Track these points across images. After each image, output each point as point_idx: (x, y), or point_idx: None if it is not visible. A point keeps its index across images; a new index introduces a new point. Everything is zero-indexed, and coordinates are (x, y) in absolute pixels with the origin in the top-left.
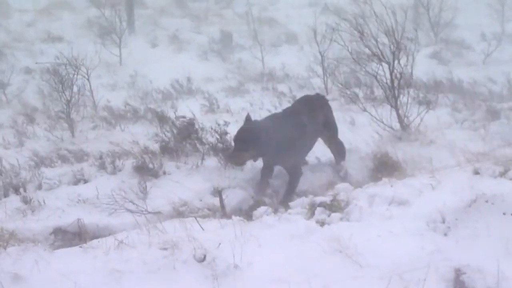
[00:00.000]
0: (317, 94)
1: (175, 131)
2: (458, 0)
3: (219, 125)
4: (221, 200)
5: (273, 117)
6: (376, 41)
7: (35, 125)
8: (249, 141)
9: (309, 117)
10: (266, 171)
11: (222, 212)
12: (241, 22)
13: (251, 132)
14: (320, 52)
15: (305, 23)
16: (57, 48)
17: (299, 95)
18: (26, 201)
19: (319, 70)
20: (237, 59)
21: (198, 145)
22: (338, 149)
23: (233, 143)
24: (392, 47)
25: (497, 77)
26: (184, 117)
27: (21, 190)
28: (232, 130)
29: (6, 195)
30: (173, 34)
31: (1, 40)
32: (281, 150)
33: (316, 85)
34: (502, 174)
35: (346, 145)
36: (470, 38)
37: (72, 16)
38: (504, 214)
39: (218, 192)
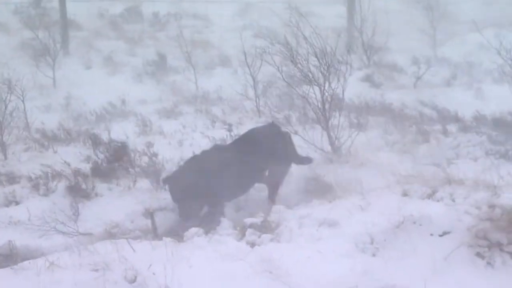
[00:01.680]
0: (269, 125)
1: (107, 154)
2: (391, 25)
3: (148, 147)
4: (153, 222)
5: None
6: (307, 63)
7: None
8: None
9: (247, 154)
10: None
11: (153, 233)
12: (175, 44)
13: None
14: (251, 75)
15: (238, 46)
16: None
17: (231, 117)
18: None
19: (252, 93)
20: (171, 81)
21: (129, 167)
22: (273, 186)
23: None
24: (322, 69)
25: (427, 100)
26: (115, 141)
27: None
28: (162, 151)
29: None
30: (107, 56)
31: None
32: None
33: (249, 108)
34: (430, 196)
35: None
36: (402, 61)
37: (5, 37)
38: (431, 235)
39: (149, 214)
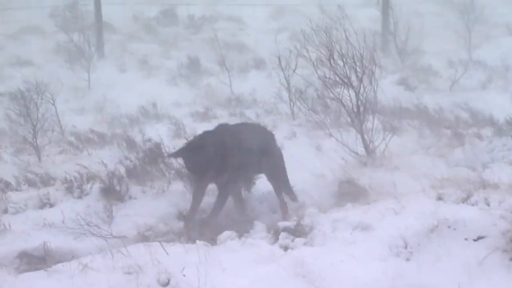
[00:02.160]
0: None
1: (141, 155)
2: (426, 27)
3: None
4: (187, 225)
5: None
6: (344, 65)
7: (1, 149)
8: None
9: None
10: (199, 191)
11: (187, 236)
12: (209, 47)
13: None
14: (285, 78)
15: (273, 48)
16: (26, 73)
17: (266, 120)
18: None
19: (286, 96)
20: (205, 84)
21: (164, 169)
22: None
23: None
24: (358, 72)
25: (462, 103)
26: (150, 140)
27: None
28: None
29: None
30: (142, 59)
31: None
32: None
33: (283, 111)
34: (465, 200)
35: (312, 170)
36: (437, 64)
37: (41, 41)
38: (465, 239)
39: (183, 217)
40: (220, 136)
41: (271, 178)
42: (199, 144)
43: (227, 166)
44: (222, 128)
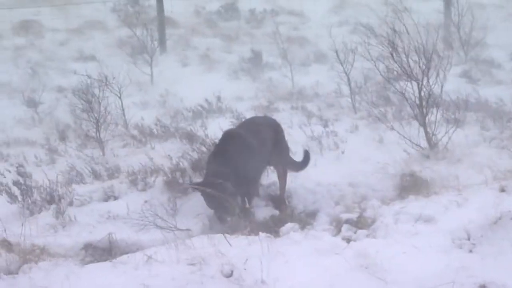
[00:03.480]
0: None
1: (205, 149)
2: (489, 20)
3: None
4: (249, 217)
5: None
6: (407, 58)
7: (66, 143)
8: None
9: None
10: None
11: (249, 228)
12: (271, 41)
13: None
14: (345, 72)
15: (335, 42)
16: (89, 67)
17: (327, 113)
18: (60, 214)
19: (347, 89)
20: (267, 78)
21: None
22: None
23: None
24: (422, 65)
25: None
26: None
27: (55, 205)
28: None
29: (39, 211)
30: (204, 53)
31: (34, 59)
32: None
33: (345, 104)
34: None
35: (374, 163)
36: (500, 57)
37: (104, 35)
38: None
39: (245, 209)
40: (234, 161)
41: (279, 169)
42: (214, 182)
43: (245, 181)
44: (233, 142)
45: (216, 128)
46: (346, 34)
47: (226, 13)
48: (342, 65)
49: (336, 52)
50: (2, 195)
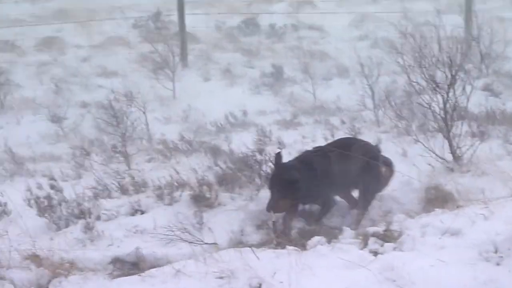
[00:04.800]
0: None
1: (231, 163)
2: (509, 32)
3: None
4: (276, 230)
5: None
6: (434, 71)
7: (91, 158)
8: (287, 185)
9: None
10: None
11: (276, 242)
12: (292, 55)
13: (288, 175)
14: (369, 85)
15: (355, 56)
16: (112, 83)
17: (350, 127)
18: (88, 229)
19: (370, 103)
20: (288, 92)
21: (254, 176)
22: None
23: (269, 191)
24: (447, 78)
25: None
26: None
27: (84, 219)
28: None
29: (67, 225)
30: (225, 68)
31: (58, 75)
32: (314, 188)
33: (368, 118)
34: None
35: (398, 176)
36: None
37: (126, 51)
38: None
39: (272, 223)
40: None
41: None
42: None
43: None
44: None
45: (239, 142)
46: (366, 48)
47: (247, 28)
48: (366, 79)
49: (361, 65)
50: (32, 207)
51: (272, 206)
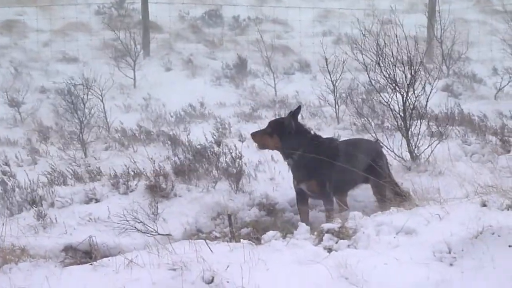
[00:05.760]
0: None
1: (188, 154)
2: (471, 35)
3: (235, 148)
4: (231, 223)
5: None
6: (394, 69)
7: (48, 144)
8: (280, 128)
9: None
10: (299, 198)
11: (231, 235)
12: (254, 49)
13: (288, 123)
14: (332, 81)
15: (318, 52)
16: (72, 69)
17: (310, 123)
18: (41, 216)
19: (331, 99)
20: (250, 85)
21: (211, 168)
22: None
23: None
24: (407, 77)
25: (507, 111)
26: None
27: (36, 206)
28: (244, 154)
29: (19, 211)
30: (187, 59)
31: (17, 59)
32: (306, 165)
33: (328, 114)
34: (510, 207)
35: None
36: (482, 72)
37: (88, 37)
38: (510, 246)
39: (228, 216)
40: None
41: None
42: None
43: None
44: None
45: (199, 134)
46: (329, 44)
47: (210, 19)
48: (330, 75)
49: (326, 61)
50: None
51: (256, 134)
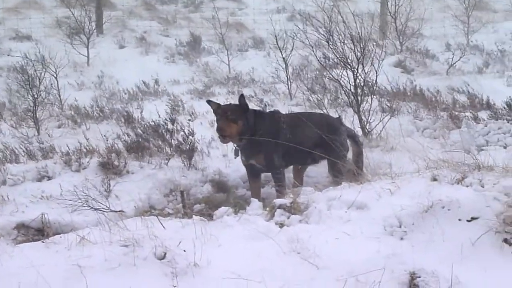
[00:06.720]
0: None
1: (141, 131)
2: (425, 11)
3: (188, 124)
4: (183, 200)
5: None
6: (342, 47)
7: (1, 121)
8: (239, 113)
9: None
10: (250, 174)
11: (183, 211)
12: (209, 26)
13: (242, 107)
14: (283, 58)
15: (272, 29)
16: (26, 47)
17: (264, 99)
18: None
19: (284, 76)
20: (204, 62)
21: (164, 145)
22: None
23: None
24: (357, 53)
25: (459, 87)
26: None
27: None
28: (197, 131)
29: None
30: (141, 36)
31: None
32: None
33: (281, 90)
34: (459, 181)
35: None
36: (435, 48)
37: (41, 15)
38: (459, 220)
39: (180, 192)
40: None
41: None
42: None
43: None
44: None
45: (152, 111)
46: (283, 21)
47: None
48: (281, 52)
49: (276, 38)
50: None
51: (220, 128)
